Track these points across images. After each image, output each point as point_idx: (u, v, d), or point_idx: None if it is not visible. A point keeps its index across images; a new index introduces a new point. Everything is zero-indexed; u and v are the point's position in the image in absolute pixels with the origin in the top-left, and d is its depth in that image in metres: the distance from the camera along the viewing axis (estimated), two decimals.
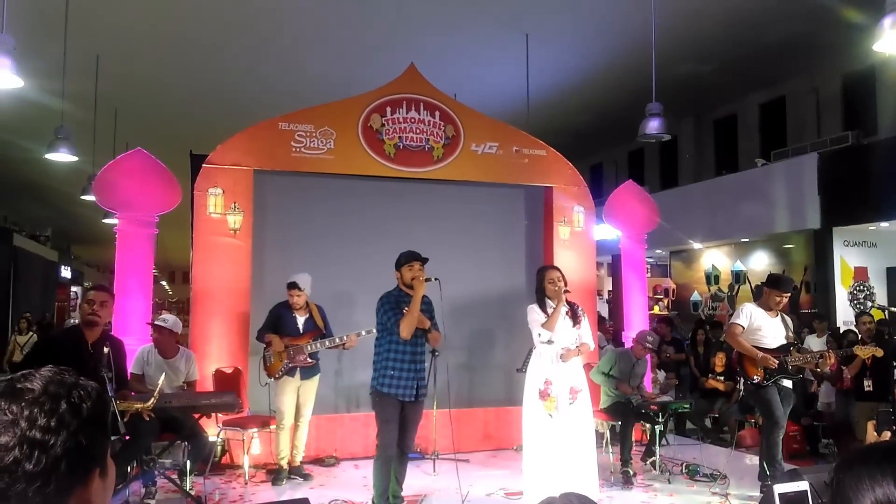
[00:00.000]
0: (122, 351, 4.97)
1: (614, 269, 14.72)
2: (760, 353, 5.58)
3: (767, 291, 5.84)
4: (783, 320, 5.82)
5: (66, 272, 23.30)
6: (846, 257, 11.17)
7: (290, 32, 9.62)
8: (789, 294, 5.90)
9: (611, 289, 16.95)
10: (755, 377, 5.63)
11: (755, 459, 6.58)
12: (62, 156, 8.83)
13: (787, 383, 5.73)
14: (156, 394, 4.69)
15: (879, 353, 5.97)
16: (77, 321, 4.95)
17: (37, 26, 8.39)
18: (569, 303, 5.33)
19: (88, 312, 4.69)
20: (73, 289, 24.15)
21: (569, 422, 5.12)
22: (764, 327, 5.71)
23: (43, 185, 17.02)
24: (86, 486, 1.02)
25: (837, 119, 12.34)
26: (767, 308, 5.77)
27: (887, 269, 11.32)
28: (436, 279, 4.93)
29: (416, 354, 4.93)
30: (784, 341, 5.72)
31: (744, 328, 5.72)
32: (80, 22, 8.33)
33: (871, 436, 4.13)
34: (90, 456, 1.02)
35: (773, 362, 5.54)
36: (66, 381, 1.02)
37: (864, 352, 5.84)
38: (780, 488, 1.71)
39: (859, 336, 7.68)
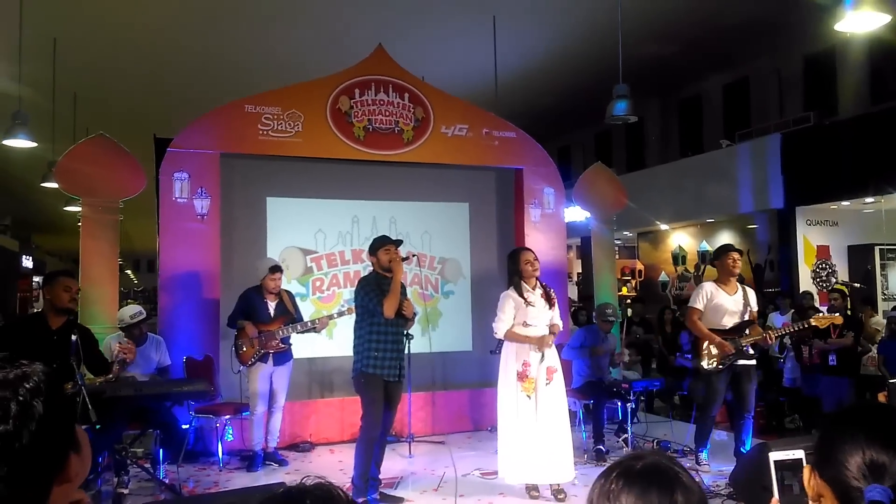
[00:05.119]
0: (93, 338, 4.90)
1: (584, 251, 14.82)
2: (717, 339, 5.55)
3: (720, 263, 5.83)
4: (745, 294, 5.77)
5: (27, 262, 22.74)
6: (809, 236, 11.38)
7: (254, 12, 9.44)
8: (737, 251, 5.86)
9: (580, 271, 17.04)
10: (706, 362, 5.62)
11: (723, 435, 6.72)
12: (20, 142, 8.57)
13: (753, 361, 5.72)
14: (114, 368, 4.71)
15: (839, 320, 5.95)
16: (39, 309, 4.89)
17: None
18: (542, 285, 5.37)
19: (70, 300, 4.62)
20: (36, 279, 23.57)
21: (546, 402, 5.16)
22: (722, 305, 5.68)
23: (0, 173, 16.54)
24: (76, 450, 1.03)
25: (799, 99, 12.51)
26: (726, 282, 5.76)
27: (848, 247, 11.56)
28: (414, 255, 5.12)
29: (397, 335, 5.00)
30: (739, 319, 5.67)
31: (702, 312, 5.69)
32: (36, 4, 8.07)
33: None
34: (69, 427, 1.02)
35: (730, 348, 5.52)
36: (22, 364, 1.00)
37: (822, 321, 5.81)
38: (775, 455, 1.72)
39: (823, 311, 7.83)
